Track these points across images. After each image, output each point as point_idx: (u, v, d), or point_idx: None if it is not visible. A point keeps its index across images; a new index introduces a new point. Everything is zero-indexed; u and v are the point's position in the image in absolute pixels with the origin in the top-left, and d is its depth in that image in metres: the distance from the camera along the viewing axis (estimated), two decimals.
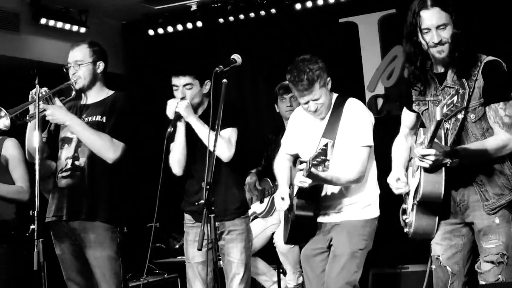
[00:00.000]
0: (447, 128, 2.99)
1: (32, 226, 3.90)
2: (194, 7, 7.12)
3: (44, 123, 3.88)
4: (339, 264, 3.69)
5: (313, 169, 3.40)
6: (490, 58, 3.01)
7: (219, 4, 6.99)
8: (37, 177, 3.45)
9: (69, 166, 3.86)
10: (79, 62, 3.91)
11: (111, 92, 4.01)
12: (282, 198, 3.76)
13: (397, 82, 6.31)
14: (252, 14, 6.87)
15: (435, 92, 3.11)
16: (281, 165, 3.99)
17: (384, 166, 3.45)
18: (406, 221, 3.23)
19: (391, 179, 3.25)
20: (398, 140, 3.41)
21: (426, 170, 2.94)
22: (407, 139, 3.38)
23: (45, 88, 3.79)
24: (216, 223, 3.67)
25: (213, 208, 3.05)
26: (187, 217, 4.01)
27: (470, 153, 2.89)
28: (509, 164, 3.01)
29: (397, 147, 3.39)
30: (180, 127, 3.84)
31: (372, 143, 3.72)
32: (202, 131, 3.78)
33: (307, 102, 3.71)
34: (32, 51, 6.66)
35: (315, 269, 3.84)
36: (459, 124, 2.96)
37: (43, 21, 6.64)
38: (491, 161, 2.96)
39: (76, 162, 3.85)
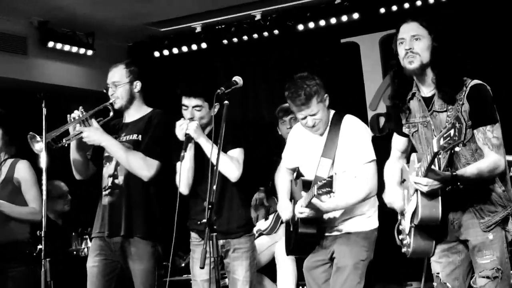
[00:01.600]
0: None
1: (39, 246, 4.00)
2: (198, 29, 7.24)
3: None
4: (343, 276, 3.75)
5: (314, 200, 3.50)
6: (475, 82, 3.05)
7: (223, 26, 7.09)
8: (44, 196, 3.54)
9: (109, 184, 3.99)
10: (116, 83, 4.03)
11: (149, 110, 4.11)
12: (286, 209, 3.86)
13: None
14: (255, 35, 6.97)
15: (423, 114, 3.16)
16: (281, 178, 4.08)
17: (384, 184, 3.50)
18: (404, 241, 3.28)
19: (386, 197, 3.33)
20: (389, 162, 3.47)
21: (422, 193, 3.00)
22: (398, 161, 3.43)
23: (81, 110, 3.92)
24: (221, 241, 3.73)
25: (215, 227, 3.11)
26: (194, 235, 4.07)
27: (467, 177, 2.94)
28: (499, 182, 3.06)
29: (389, 169, 3.45)
30: (190, 148, 3.89)
31: (375, 157, 3.77)
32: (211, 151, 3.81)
33: (304, 118, 3.77)
34: (40, 73, 6.77)
35: (317, 280, 3.91)
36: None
37: (50, 44, 6.75)
38: (483, 182, 3.02)
39: (116, 181, 3.97)
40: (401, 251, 3.33)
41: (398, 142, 3.39)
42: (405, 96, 3.18)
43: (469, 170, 2.97)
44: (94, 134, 3.90)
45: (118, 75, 4.06)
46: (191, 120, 3.86)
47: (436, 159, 2.98)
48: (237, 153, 3.92)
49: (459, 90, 3.02)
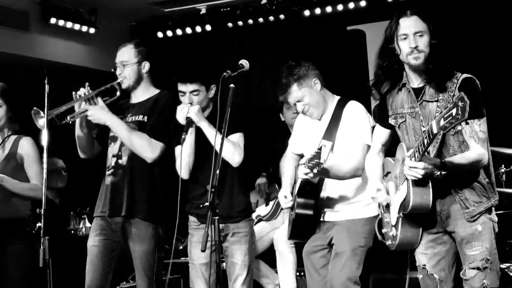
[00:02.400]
0: None
1: (39, 224, 3.96)
2: (203, 11, 7.17)
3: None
4: (341, 262, 3.79)
5: (306, 171, 3.51)
6: (466, 75, 3.09)
7: (228, 9, 7.04)
8: (44, 174, 3.50)
9: (113, 164, 3.97)
10: (125, 62, 4.01)
11: (156, 91, 4.10)
12: (285, 197, 3.85)
13: None
14: (261, 19, 6.91)
15: (412, 105, 3.18)
16: (287, 164, 4.10)
17: None
18: (388, 234, 3.31)
19: (371, 192, 3.37)
20: (371, 157, 3.50)
21: (414, 182, 3.02)
22: (379, 155, 3.47)
23: (87, 87, 3.90)
24: (221, 225, 3.71)
25: (217, 210, 3.11)
26: (192, 219, 4.05)
27: (455, 166, 2.99)
28: (483, 174, 3.11)
29: (371, 163, 3.48)
30: (191, 132, 3.88)
31: (370, 143, 3.77)
32: (213, 135, 3.80)
33: (295, 104, 3.84)
34: (42, 50, 6.70)
35: (315, 265, 3.95)
36: (441, 138, 3.05)
37: (52, 20, 6.68)
38: (467, 173, 3.07)
39: (119, 161, 3.96)
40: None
41: (381, 135, 3.43)
42: (386, 84, 3.25)
43: (457, 159, 3.03)
44: (99, 113, 3.88)
45: (126, 54, 4.03)
46: (192, 105, 3.86)
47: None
48: (237, 138, 3.92)
49: (451, 81, 3.06)
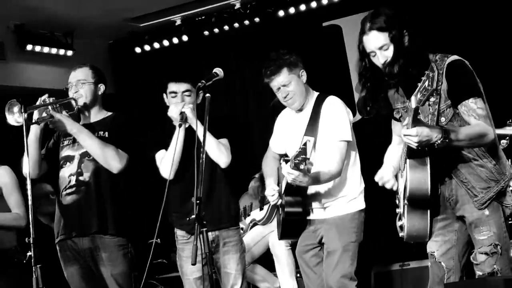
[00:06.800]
0: None
1: (29, 253, 3.92)
2: (178, 22, 7.14)
3: (42, 141, 3.93)
4: (333, 260, 3.80)
5: (293, 170, 3.50)
6: (452, 58, 3.03)
7: (203, 17, 7.02)
8: (29, 201, 3.48)
9: (73, 182, 3.91)
10: (82, 81, 4.00)
11: (109, 113, 4.10)
12: (273, 190, 3.86)
13: None
14: (236, 25, 6.89)
15: (403, 100, 3.17)
16: (268, 163, 4.09)
17: (372, 168, 3.48)
18: (401, 225, 3.24)
19: (377, 174, 3.29)
20: (390, 147, 3.45)
21: (412, 166, 2.97)
22: (398, 146, 3.37)
23: (49, 97, 3.86)
24: (210, 235, 3.71)
25: (204, 222, 3.09)
26: (180, 233, 4.02)
27: (457, 132, 2.87)
28: (489, 157, 3.03)
29: (388, 153, 3.43)
30: (180, 132, 3.85)
31: (350, 138, 3.81)
32: (206, 134, 3.77)
33: (278, 89, 3.82)
34: (20, 78, 6.70)
35: (309, 264, 3.96)
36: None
37: (29, 47, 6.67)
38: (471, 145, 2.96)
39: (81, 178, 3.90)
40: (397, 231, 3.28)
41: (394, 127, 3.38)
42: (378, 95, 3.19)
43: (460, 128, 2.93)
44: (67, 121, 3.85)
45: (83, 74, 4.03)
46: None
47: None
48: (224, 141, 3.93)
49: (426, 69, 2.86)
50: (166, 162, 3.89)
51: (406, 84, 3.10)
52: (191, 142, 3.74)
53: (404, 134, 2.88)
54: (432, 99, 2.87)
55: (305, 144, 3.35)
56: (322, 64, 6.41)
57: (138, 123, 4.11)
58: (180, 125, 3.77)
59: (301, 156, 3.35)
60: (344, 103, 3.94)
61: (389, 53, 3.03)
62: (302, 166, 3.39)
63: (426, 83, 2.65)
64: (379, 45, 3.03)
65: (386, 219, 3.81)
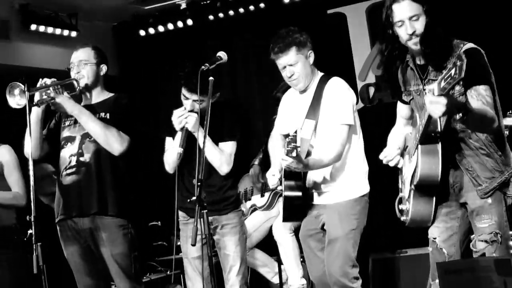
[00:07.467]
0: None
1: (30, 231, 3.95)
2: (183, 6, 7.14)
3: (44, 121, 3.94)
4: (335, 248, 3.80)
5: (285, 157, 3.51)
6: (469, 46, 3.02)
7: (208, 2, 7.00)
8: (31, 181, 3.48)
9: (74, 163, 3.90)
10: (84, 61, 3.98)
11: (111, 94, 4.08)
12: (273, 175, 3.86)
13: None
14: (241, 10, 6.87)
15: (416, 82, 3.15)
16: (274, 144, 4.11)
17: (377, 155, 3.50)
18: (403, 209, 3.26)
19: (383, 152, 3.30)
20: (394, 129, 3.46)
21: (423, 151, 2.94)
22: (404, 128, 3.41)
23: (52, 79, 3.85)
24: (210, 218, 3.73)
25: (205, 204, 3.11)
26: (181, 214, 4.05)
27: (470, 109, 2.85)
28: (495, 147, 3.05)
29: (392, 134, 3.44)
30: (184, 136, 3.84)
31: (352, 122, 3.79)
32: (208, 146, 3.78)
33: (284, 68, 3.80)
34: (24, 57, 6.66)
35: (312, 248, 3.97)
36: None
37: (33, 27, 6.63)
38: (482, 123, 2.93)
39: (81, 158, 3.89)
40: (395, 219, 3.33)
41: (401, 109, 3.39)
42: (394, 67, 3.18)
43: (475, 104, 2.91)
44: (68, 103, 3.84)
45: (85, 54, 4.01)
46: (191, 112, 3.82)
47: (438, 119, 2.95)
48: (230, 147, 3.93)
49: (450, 56, 2.96)
50: (167, 158, 3.92)
51: (426, 63, 3.07)
52: (192, 136, 3.79)
53: (431, 101, 2.74)
54: (457, 87, 2.85)
55: (295, 132, 3.39)
56: (325, 51, 6.38)
57: (140, 110, 4.08)
58: (180, 154, 3.73)
59: (292, 144, 3.37)
60: (347, 84, 3.92)
61: (418, 25, 3.00)
62: (294, 154, 3.40)
63: (453, 72, 2.60)
64: (411, 14, 3.00)
65: (385, 207, 3.83)
